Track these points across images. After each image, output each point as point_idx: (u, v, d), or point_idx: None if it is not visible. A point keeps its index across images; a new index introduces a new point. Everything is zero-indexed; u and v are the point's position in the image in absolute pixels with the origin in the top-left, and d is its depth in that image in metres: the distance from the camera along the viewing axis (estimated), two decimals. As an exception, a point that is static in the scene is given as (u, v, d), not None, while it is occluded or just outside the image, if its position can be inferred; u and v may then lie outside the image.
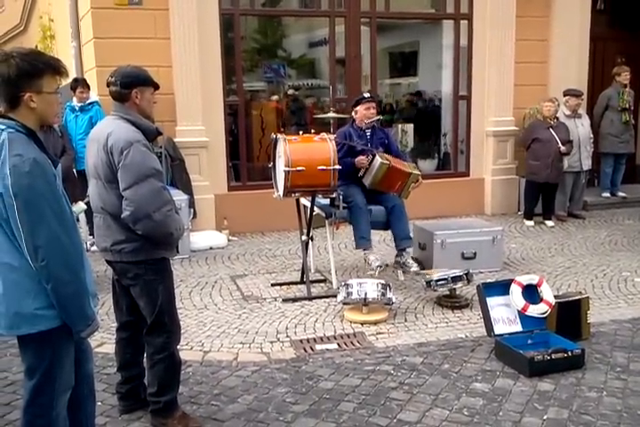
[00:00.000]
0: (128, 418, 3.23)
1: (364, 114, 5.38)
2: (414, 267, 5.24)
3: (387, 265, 5.73)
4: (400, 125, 9.08)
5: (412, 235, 5.52)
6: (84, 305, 2.27)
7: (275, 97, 8.85)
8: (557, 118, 7.51)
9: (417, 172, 5.29)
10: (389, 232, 5.55)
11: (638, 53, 9.22)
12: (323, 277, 5.56)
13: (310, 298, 5.01)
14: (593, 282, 5.42)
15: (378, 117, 5.55)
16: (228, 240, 6.92)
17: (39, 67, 2.17)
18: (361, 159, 5.19)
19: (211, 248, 6.65)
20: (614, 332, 4.30)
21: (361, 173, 5.20)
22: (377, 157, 5.12)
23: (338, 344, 4.15)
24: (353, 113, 5.51)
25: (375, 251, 5.56)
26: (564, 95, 7.76)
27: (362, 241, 5.25)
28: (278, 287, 5.34)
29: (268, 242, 6.98)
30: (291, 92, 8.84)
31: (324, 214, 5.39)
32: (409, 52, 9.92)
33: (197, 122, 7.03)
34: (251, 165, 7.93)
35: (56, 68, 2.23)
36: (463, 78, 8.26)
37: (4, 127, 2.17)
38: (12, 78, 2.15)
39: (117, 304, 3.24)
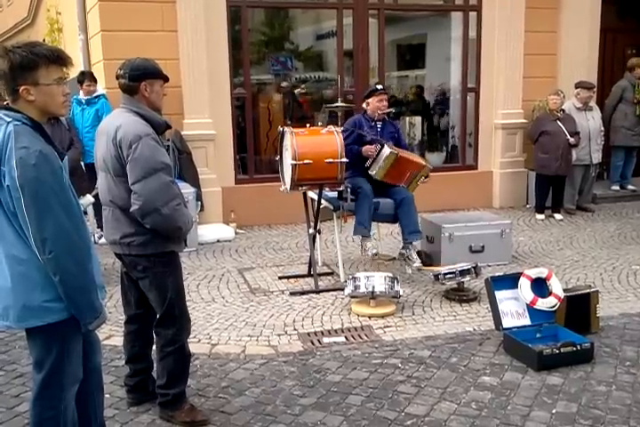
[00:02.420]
0: (136, 410, 3.24)
1: (376, 106, 5.35)
2: (417, 262, 5.21)
3: (393, 258, 5.73)
4: (408, 118, 9.04)
5: (420, 229, 5.49)
6: (92, 297, 2.27)
7: (298, 90, 8.73)
8: (563, 110, 7.46)
9: (430, 166, 5.28)
10: (397, 225, 5.54)
11: (649, 45, 9.15)
12: (330, 271, 5.56)
13: (318, 291, 5.01)
14: (602, 275, 5.40)
15: (390, 110, 5.52)
16: (236, 233, 6.92)
17: (31, 58, 2.14)
18: (369, 148, 5.15)
19: (218, 241, 6.66)
20: (624, 326, 4.28)
21: (368, 164, 5.17)
22: (385, 146, 5.10)
23: (345, 337, 4.15)
24: (364, 104, 5.48)
25: (373, 240, 5.51)
26: (576, 87, 7.68)
27: (360, 227, 5.21)
28: (286, 280, 5.34)
29: (276, 235, 6.97)
30: (284, 84, 8.76)
31: (331, 207, 5.38)
32: (417, 44, 9.85)
33: (205, 115, 7.03)
34: (258, 157, 7.92)
35: (53, 59, 2.19)
36: (472, 70, 8.21)
37: (9, 120, 2.16)
38: (6, 72, 2.15)
39: (126, 297, 3.24)
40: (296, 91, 8.69)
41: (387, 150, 5.07)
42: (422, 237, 5.59)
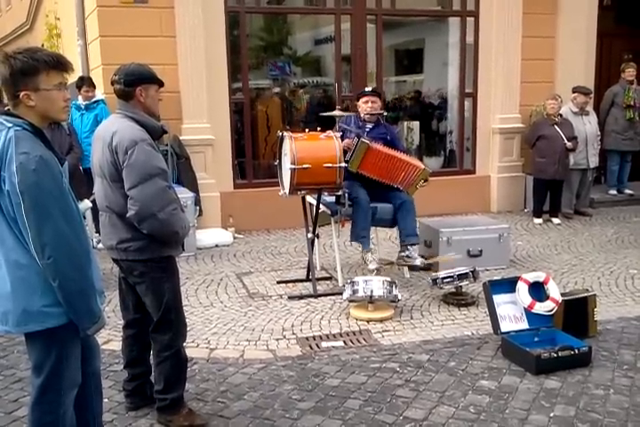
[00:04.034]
0: (135, 415, 3.24)
1: (362, 107, 5.42)
2: (418, 260, 5.21)
3: (391, 263, 5.72)
4: (406, 123, 9.06)
5: (418, 233, 5.49)
6: (91, 302, 2.27)
7: (305, 95, 8.73)
8: (561, 115, 7.49)
9: (429, 169, 5.29)
10: (395, 230, 5.54)
11: (646, 50, 9.19)
12: (328, 275, 5.57)
13: (316, 295, 5.01)
14: (600, 279, 5.41)
15: (381, 112, 5.55)
16: (234, 238, 6.93)
17: (31, 64, 2.15)
18: (346, 141, 5.15)
19: (216, 246, 6.66)
20: (621, 329, 4.29)
21: (347, 157, 5.16)
22: (361, 138, 5.10)
23: (344, 342, 4.15)
24: (357, 107, 5.54)
25: (375, 250, 5.51)
26: (573, 92, 7.71)
27: (357, 237, 5.23)
28: (284, 285, 5.34)
29: (274, 240, 6.98)
30: (279, 90, 8.78)
31: (329, 212, 5.39)
32: (415, 50, 9.89)
33: (203, 120, 7.05)
34: (256, 162, 7.93)
35: (53, 64, 2.20)
36: (469, 75, 8.24)
37: (10, 125, 2.17)
38: (7, 78, 2.16)
39: (124, 302, 3.25)
40: (302, 96, 8.72)
41: (359, 140, 5.06)
42: (420, 242, 5.59)
